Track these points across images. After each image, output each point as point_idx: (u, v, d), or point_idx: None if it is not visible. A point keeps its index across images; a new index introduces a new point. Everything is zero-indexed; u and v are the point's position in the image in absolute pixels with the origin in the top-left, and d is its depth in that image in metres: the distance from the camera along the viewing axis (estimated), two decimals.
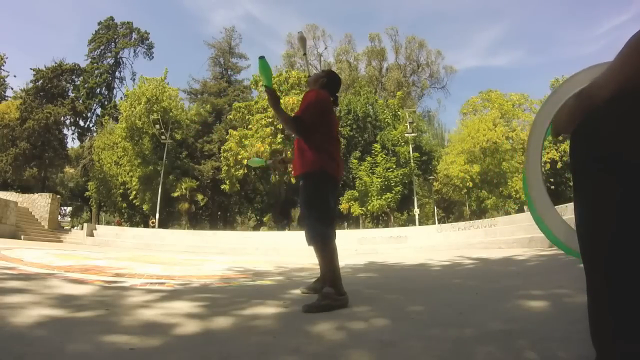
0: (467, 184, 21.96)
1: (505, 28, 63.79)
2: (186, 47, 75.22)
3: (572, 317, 1.45)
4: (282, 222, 25.84)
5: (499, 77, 62.03)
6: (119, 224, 25.75)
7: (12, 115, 27.74)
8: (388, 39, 36.54)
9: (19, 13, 55.79)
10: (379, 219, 25.35)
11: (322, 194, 2.05)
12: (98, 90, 33.98)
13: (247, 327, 1.51)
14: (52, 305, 1.77)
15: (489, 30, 66.23)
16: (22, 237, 13.34)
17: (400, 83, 34.46)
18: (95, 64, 33.87)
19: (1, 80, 30.88)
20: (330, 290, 1.88)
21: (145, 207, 24.29)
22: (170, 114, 24.24)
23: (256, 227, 30.96)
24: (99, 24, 34.68)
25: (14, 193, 19.44)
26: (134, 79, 33.61)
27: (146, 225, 24.77)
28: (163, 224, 23.26)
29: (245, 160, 21.12)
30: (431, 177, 25.00)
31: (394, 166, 21.01)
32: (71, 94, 32.08)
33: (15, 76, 55.43)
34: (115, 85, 35.30)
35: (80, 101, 31.89)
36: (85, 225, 18.11)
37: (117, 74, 35.41)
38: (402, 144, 21.98)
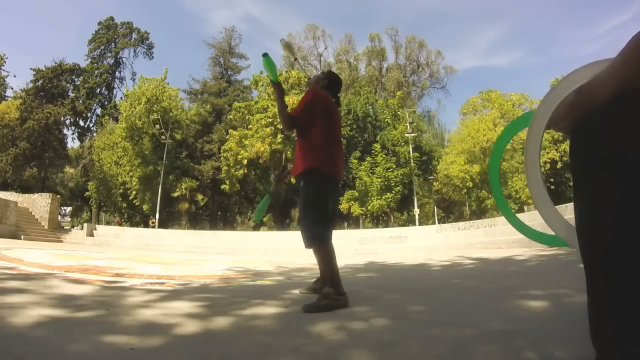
0: (467, 184, 21.95)
1: (505, 28, 63.75)
2: (186, 47, 75.16)
3: (572, 317, 1.44)
4: (282, 222, 25.84)
5: (499, 77, 62.02)
6: (119, 224, 25.76)
7: (12, 115, 27.75)
8: (388, 39, 36.59)
9: (19, 13, 55.78)
10: (379, 219, 25.33)
11: (321, 194, 2.04)
12: (98, 90, 34.01)
13: (247, 327, 1.50)
14: (52, 305, 1.77)
15: (489, 30, 66.18)
16: (22, 237, 13.35)
17: (400, 83, 34.44)
18: (95, 64, 33.90)
19: (1, 80, 30.91)
20: (330, 290, 1.88)
21: (145, 207, 24.30)
22: (170, 114, 24.24)
23: (256, 227, 30.91)
24: (99, 24, 34.75)
25: (14, 193, 19.45)
26: (134, 79, 33.73)
27: (146, 225, 24.76)
28: (163, 224, 23.26)
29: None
30: (431, 177, 24.98)
31: (394, 166, 21.01)
32: (71, 94, 32.12)
33: (15, 76, 55.57)
34: (115, 85, 35.40)
35: (80, 101, 31.91)
36: (85, 225, 18.13)
37: (117, 74, 35.52)
38: (402, 144, 21.97)
